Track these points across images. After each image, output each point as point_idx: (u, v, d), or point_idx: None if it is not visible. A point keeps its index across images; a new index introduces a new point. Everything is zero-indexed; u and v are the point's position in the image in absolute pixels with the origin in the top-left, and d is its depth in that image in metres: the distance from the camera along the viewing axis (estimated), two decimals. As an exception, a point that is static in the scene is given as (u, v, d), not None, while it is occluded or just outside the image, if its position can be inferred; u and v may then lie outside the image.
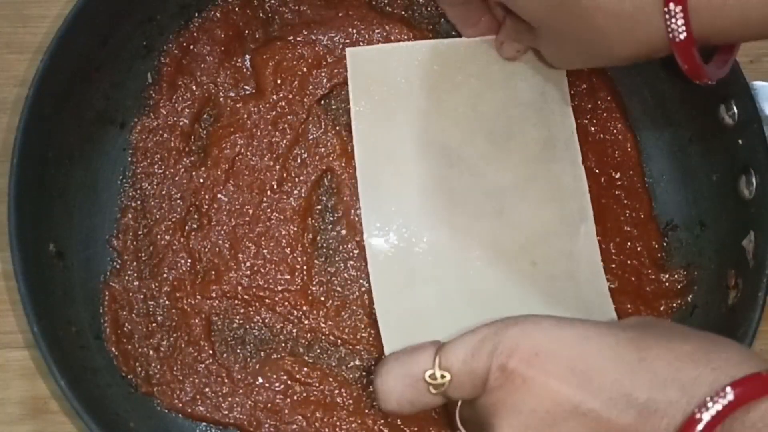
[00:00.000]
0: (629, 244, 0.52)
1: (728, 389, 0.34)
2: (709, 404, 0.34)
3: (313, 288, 0.51)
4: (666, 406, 0.35)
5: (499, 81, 0.54)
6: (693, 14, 0.39)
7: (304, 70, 0.53)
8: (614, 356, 0.37)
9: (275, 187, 0.52)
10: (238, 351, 0.50)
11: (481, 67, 0.54)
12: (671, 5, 0.39)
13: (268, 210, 0.52)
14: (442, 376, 0.40)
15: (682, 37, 0.40)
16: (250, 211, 0.52)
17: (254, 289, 0.51)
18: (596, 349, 0.38)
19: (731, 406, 0.34)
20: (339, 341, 0.50)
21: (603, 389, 0.36)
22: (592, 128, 0.54)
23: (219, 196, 0.52)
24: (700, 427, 0.34)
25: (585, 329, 0.39)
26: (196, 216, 0.52)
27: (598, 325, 0.39)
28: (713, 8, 0.39)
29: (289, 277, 0.51)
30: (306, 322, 0.50)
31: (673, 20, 0.39)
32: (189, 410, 0.49)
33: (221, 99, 0.53)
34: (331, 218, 0.52)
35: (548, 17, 0.45)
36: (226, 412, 0.49)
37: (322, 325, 0.50)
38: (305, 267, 0.51)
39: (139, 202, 0.52)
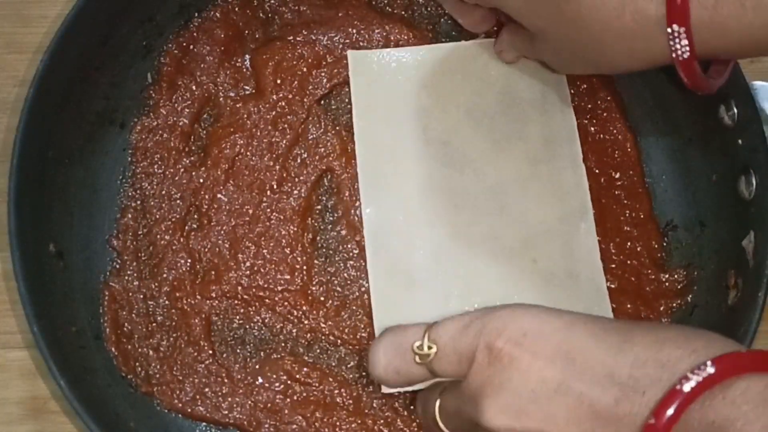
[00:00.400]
0: (629, 244, 0.52)
1: (709, 363, 0.35)
2: (690, 376, 0.35)
3: (313, 288, 0.51)
4: (647, 382, 0.36)
5: (499, 81, 0.54)
6: (695, 34, 0.40)
7: (304, 70, 0.54)
8: (598, 340, 0.38)
9: (275, 187, 0.52)
10: (238, 351, 0.50)
11: (481, 68, 0.54)
12: (675, 26, 0.40)
13: (268, 210, 0.52)
14: (429, 347, 0.42)
15: (685, 56, 0.41)
16: (250, 211, 0.52)
17: (254, 289, 0.51)
18: (582, 333, 0.39)
19: (711, 379, 0.35)
20: (339, 341, 0.50)
21: (586, 370, 0.37)
22: (592, 128, 0.54)
23: (219, 196, 0.52)
24: (680, 398, 0.35)
25: (571, 316, 0.40)
26: (196, 216, 0.52)
27: (584, 315, 0.41)
28: (715, 29, 0.40)
29: (288, 277, 0.51)
30: (306, 322, 0.50)
31: (677, 40, 0.40)
32: (189, 410, 0.49)
33: (221, 99, 0.53)
34: (331, 218, 0.52)
35: (548, 26, 0.45)
36: (226, 412, 0.49)
37: (322, 325, 0.50)
38: (305, 267, 0.51)
39: (139, 202, 0.52)
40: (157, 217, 0.51)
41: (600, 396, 0.37)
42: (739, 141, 0.49)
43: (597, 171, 0.53)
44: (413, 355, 0.42)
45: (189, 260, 0.51)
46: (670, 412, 0.35)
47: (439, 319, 0.42)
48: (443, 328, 0.42)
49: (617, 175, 0.53)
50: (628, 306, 0.51)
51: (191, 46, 0.54)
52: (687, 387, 0.35)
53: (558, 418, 0.37)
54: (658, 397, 0.36)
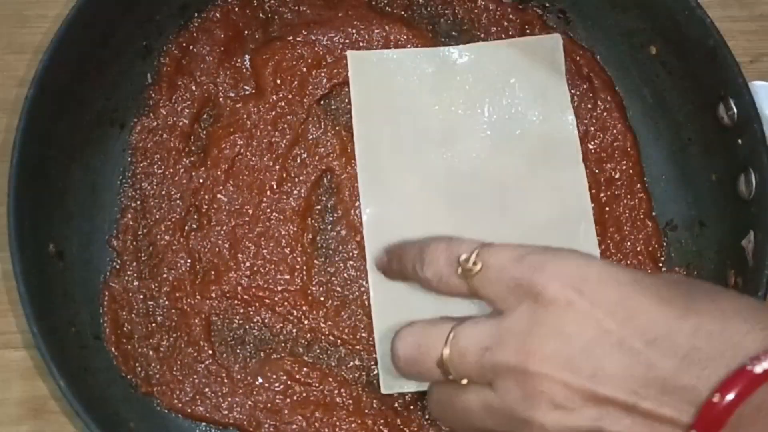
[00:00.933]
0: (629, 244, 0.52)
1: None
2: (763, 358, 0.33)
3: (313, 288, 0.51)
4: (710, 357, 0.34)
5: (499, 82, 0.54)
6: None
7: (304, 70, 0.54)
8: (662, 302, 0.36)
9: (275, 187, 0.52)
10: (238, 351, 0.50)
11: (481, 69, 0.54)
12: None
13: (268, 210, 0.52)
14: (474, 263, 0.40)
15: None
16: (250, 211, 0.52)
17: (254, 289, 0.51)
18: (646, 292, 0.36)
19: None
20: (339, 341, 0.50)
21: (647, 331, 0.35)
22: (592, 128, 0.54)
23: (219, 196, 0.52)
24: (748, 379, 0.33)
25: (637, 273, 0.38)
26: (195, 216, 0.52)
27: (651, 274, 0.39)
28: None
29: (288, 277, 0.51)
30: (306, 322, 0.50)
31: None
32: (189, 410, 0.49)
33: (221, 99, 0.53)
34: (331, 218, 0.52)
35: None
36: (226, 412, 0.49)
37: (322, 325, 0.50)
38: (305, 267, 0.51)
39: (138, 202, 0.52)
40: (157, 217, 0.51)
41: (658, 360, 0.34)
42: (739, 141, 0.49)
43: (597, 171, 0.53)
44: (457, 266, 0.41)
45: (189, 260, 0.51)
46: (734, 392, 0.33)
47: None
48: (496, 251, 0.40)
49: (617, 175, 0.53)
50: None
51: (191, 46, 0.54)
52: (759, 369, 0.33)
53: (608, 375, 0.35)
54: (721, 373, 0.33)
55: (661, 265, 0.52)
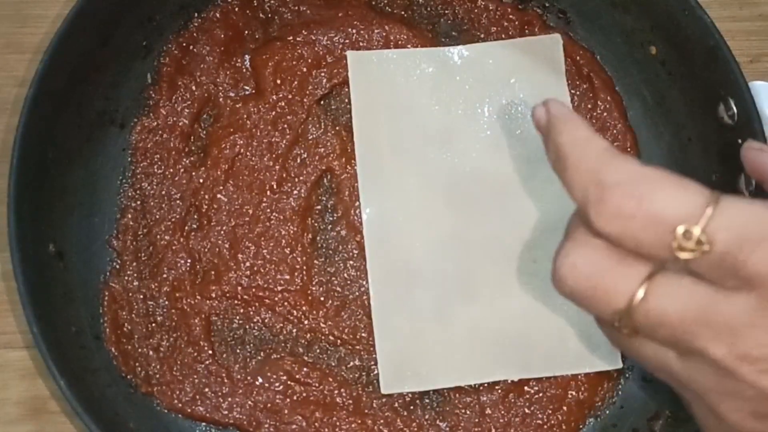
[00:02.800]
0: (629, 244, 0.52)
1: None
2: None
3: (313, 288, 0.51)
4: None
5: (499, 82, 0.54)
6: None
7: (304, 70, 0.54)
8: None
9: (275, 187, 0.52)
10: (238, 351, 0.50)
11: (481, 69, 0.54)
12: None
13: (268, 210, 0.52)
14: (699, 243, 0.30)
15: None
16: (250, 211, 0.52)
17: (254, 289, 0.51)
18: None
19: None
20: (339, 341, 0.50)
21: None
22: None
23: (219, 196, 0.52)
24: None
25: None
26: (195, 216, 0.52)
27: None
28: None
29: (288, 277, 0.51)
30: (306, 322, 0.50)
31: None
32: (189, 410, 0.49)
33: (221, 99, 0.53)
34: (331, 218, 0.52)
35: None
36: (226, 412, 0.49)
37: (322, 325, 0.50)
38: (305, 267, 0.51)
39: (139, 202, 0.52)
40: (157, 217, 0.51)
41: None
42: (739, 141, 0.49)
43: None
44: (670, 238, 0.30)
45: (189, 260, 0.51)
46: None
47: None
48: (733, 225, 0.30)
49: (617, 175, 0.53)
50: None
51: (191, 46, 0.54)
52: None
53: None
54: None
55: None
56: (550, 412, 0.50)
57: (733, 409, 0.32)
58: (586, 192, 0.32)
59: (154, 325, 0.50)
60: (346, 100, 0.54)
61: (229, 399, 0.49)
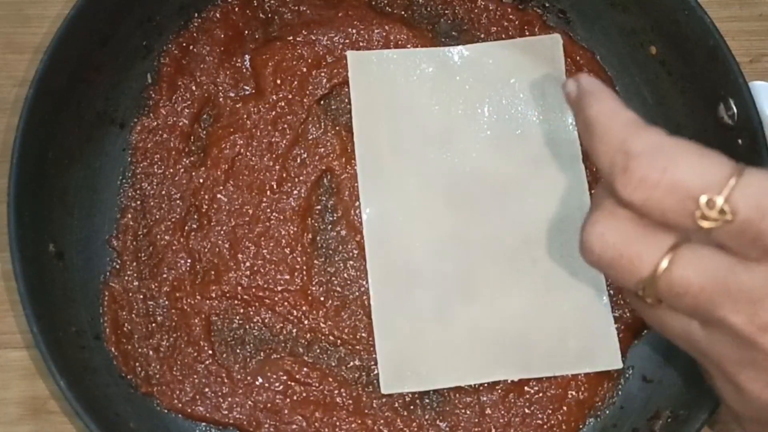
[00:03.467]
0: (629, 244, 0.52)
1: None
2: None
3: (313, 288, 0.51)
4: None
5: (499, 81, 0.54)
6: None
7: (304, 70, 0.54)
8: None
9: (275, 187, 0.52)
10: (238, 351, 0.50)
11: (481, 69, 0.54)
12: None
13: (268, 210, 0.52)
14: (722, 212, 0.30)
15: None
16: (250, 211, 0.52)
17: (254, 289, 0.51)
18: None
19: None
20: (339, 341, 0.50)
21: None
22: (592, 128, 0.54)
23: (219, 196, 0.52)
24: None
25: None
26: (195, 216, 0.52)
27: None
28: None
29: (288, 277, 0.51)
30: (306, 322, 0.50)
31: None
32: (189, 410, 0.49)
33: (221, 99, 0.53)
34: (331, 218, 0.52)
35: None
36: (226, 412, 0.49)
37: (322, 325, 0.50)
38: (305, 267, 0.51)
39: (139, 202, 0.52)
40: (157, 217, 0.51)
41: None
42: (739, 141, 0.49)
43: (597, 171, 0.53)
44: (693, 207, 0.31)
45: (189, 260, 0.51)
46: None
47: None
48: (757, 194, 0.30)
49: (617, 175, 0.53)
50: (628, 305, 0.51)
51: (191, 46, 0.54)
52: None
53: None
54: None
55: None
56: (550, 412, 0.50)
57: (752, 378, 0.33)
58: (613, 161, 0.32)
59: (154, 325, 0.50)
60: (346, 100, 0.54)
61: (229, 399, 0.49)
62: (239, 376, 0.49)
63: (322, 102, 0.54)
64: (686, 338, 0.35)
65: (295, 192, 0.52)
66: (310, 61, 0.54)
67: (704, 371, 0.37)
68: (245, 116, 0.53)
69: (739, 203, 0.31)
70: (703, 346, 0.34)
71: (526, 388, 0.50)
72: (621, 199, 0.32)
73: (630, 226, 0.33)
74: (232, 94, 0.53)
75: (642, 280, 0.33)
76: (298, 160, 0.53)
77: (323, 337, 0.50)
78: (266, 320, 0.50)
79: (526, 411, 0.50)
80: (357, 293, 0.51)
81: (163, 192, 0.52)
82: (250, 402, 0.49)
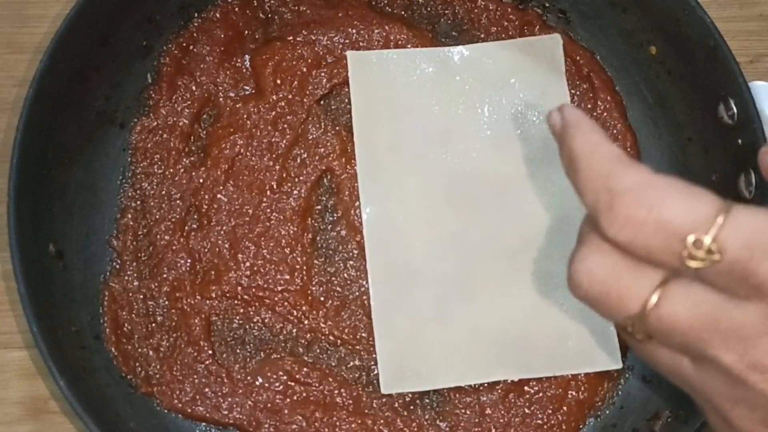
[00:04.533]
0: (629, 244, 0.52)
1: None
2: None
3: (313, 288, 0.51)
4: None
5: (499, 82, 0.54)
6: None
7: (304, 70, 0.54)
8: None
9: (275, 187, 0.52)
10: (238, 351, 0.50)
11: (481, 69, 0.54)
12: None
13: (268, 210, 0.52)
14: (709, 252, 0.30)
15: None
16: (250, 211, 0.52)
17: (254, 289, 0.51)
18: None
19: None
20: (339, 341, 0.50)
21: None
22: (592, 128, 0.54)
23: (219, 196, 0.52)
24: None
25: None
26: (195, 216, 0.52)
27: None
28: None
29: (288, 277, 0.51)
30: (306, 322, 0.50)
31: None
32: (189, 410, 0.49)
33: (221, 99, 0.53)
34: (331, 218, 0.52)
35: None
36: (226, 412, 0.49)
37: (322, 325, 0.50)
38: (305, 267, 0.51)
39: (138, 202, 0.52)
40: (157, 217, 0.51)
41: None
42: (739, 140, 0.49)
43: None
44: (680, 247, 0.30)
45: (189, 260, 0.51)
46: None
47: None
48: (744, 230, 0.30)
49: (617, 175, 0.53)
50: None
51: (191, 46, 0.54)
52: None
53: None
54: None
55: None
56: (550, 412, 0.50)
57: (744, 416, 0.33)
58: (597, 198, 0.32)
59: (154, 325, 0.50)
60: (346, 100, 0.54)
61: (229, 399, 0.49)
62: (239, 376, 0.49)
63: (322, 102, 0.54)
64: (677, 374, 0.35)
65: (295, 192, 0.52)
66: (310, 61, 0.54)
67: (696, 403, 0.37)
68: (245, 116, 0.53)
69: (727, 242, 0.30)
70: (695, 383, 0.34)
71: (526, 388, 0.50)
72: (606, 237, 0.32)
73: (618, 261, 0.33)
74: (232, 94, 0.53)
75: (631, 316, 0.33)
76: (298, 160, 0.53)
77: (323, 337, 0.50)
78: (266, 320, 0.50)
79: (526, 411, 0.50)
80: (357, 293, 0.51)
81: (163, 192, 0.52)
82: (250, 402, 0.49)
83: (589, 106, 0.54)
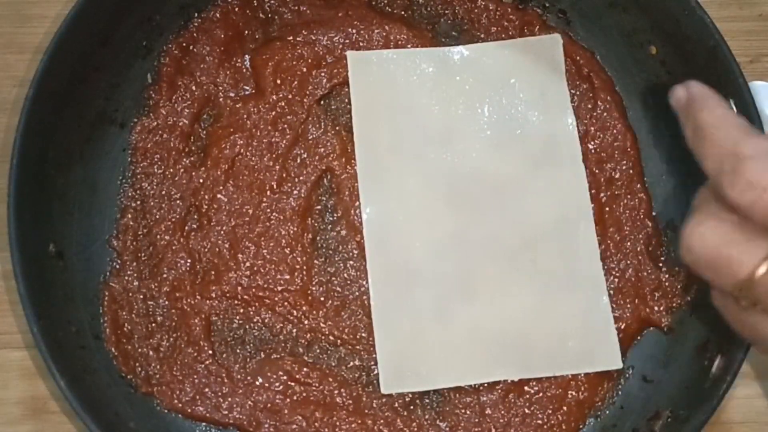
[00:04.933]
0: (629, 243, 0.52)
1: None
2: None
3: (313, 288, 0.51)
4: None
5: (500, 82, 0.54)
6: None
7: (304, 70, 0.54)
8: None
9: (275, 187, 0.52)
10: (238, 351, 0.50)
11: (481, 69, 0.54)
12: None
13: (268, 210, 0.52)
14: None
15: None
16: (250, 211, 0.52)
17: (254, 289, 0.51)
18: None
19: None
20: (339, 341, 0.50)
21: None
22: (592, 128, 0.54)
23: (219, 196, 0.52)
24: None
25: None
26: (195, 216, 0.52)
27: None
28: None
29: (288, 277, 0.51)
30: (306, 322, 0.50)
31: None
32: (189, 410, 0.49)
33: (221, 99, 0.53)
34: (331, 218, 0.52)
35: None
36: (226, 412, 0.49)
37: (322, 325, 0.50)
38: (305, 267, 0.51)
39: (138, 202, 0.52)
40: (157, 217, 0.51)
41: None
42: (739, 141, 0.49)
43: (597, 171, 0.53)
44: None
45: (189, 260, 0.51)
46: None
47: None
48: None
49: (617, 175, 0.53)
50: (628, 305, 0.51)
51: (191, 46, 0.54)
52: None
53: None
54: None
55: (661, 264, 0.52)
56: (550, 412, 0.50)
57: None
58: (722, 163, 0.34)
59: (154, 325, 0.50)
60: (346, 100, 0.54)
61: (229, 399, 0.49)
62: (239, 376, 0.49)
63: (322, 102, 0.54)
64: None
65: (295, 192, 0.52)
66: (310, 61, 0.54)
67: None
68: (245, 116, 0.53)
69: None
70: None
71: (526, 388, 0.50)
72: (728, 200, 0.33)
73: (732, 229, 0.34)
74: (232, 94, 0.53)
75: (739, 282, 0.34)
76: (298, 160, 0.53)
77: (323, 337, 0.50)
78: (266, 320, 0.50)
79: (526, 411, 0.50)
80: (357, 293, 0.51)
81: (163, 192, 0.52)
82: (250, 402, 0.49)
83: (589, 106, 0.54)
